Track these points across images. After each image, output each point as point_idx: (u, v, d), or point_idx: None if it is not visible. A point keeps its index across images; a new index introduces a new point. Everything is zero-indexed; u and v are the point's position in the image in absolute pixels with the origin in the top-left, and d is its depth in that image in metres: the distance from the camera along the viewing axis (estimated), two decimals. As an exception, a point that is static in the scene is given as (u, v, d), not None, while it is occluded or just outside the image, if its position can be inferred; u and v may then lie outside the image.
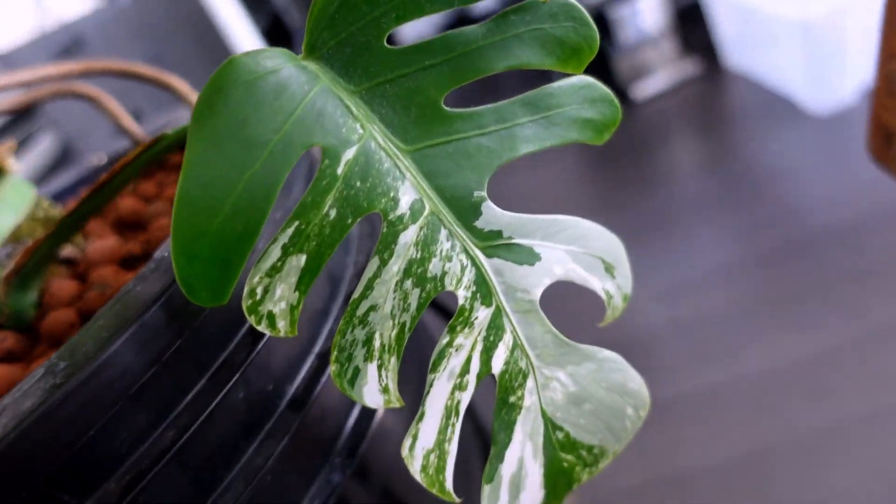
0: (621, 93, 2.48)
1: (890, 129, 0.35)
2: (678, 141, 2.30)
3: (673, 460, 1.30)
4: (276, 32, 3.07)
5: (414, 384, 0.33)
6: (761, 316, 1.50)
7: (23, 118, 1.36)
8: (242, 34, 2.30)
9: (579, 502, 0.94)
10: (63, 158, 1.33)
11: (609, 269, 0.23)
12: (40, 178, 1.30)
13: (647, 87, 2.47)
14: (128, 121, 0.43)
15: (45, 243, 0.31)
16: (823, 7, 1.75)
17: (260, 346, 0.24)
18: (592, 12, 2.47)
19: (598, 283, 0.23)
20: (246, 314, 0.20)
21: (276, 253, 0.19)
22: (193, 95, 0.39)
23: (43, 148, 1.31)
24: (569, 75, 0.22)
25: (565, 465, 0.23)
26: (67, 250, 0.38)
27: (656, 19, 2.44)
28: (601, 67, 2.62)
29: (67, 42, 1.66)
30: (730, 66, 2.42)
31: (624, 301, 0.24)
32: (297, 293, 0.20)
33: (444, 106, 0.20)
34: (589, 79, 0.22)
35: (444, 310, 0.45)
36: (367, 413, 0.29)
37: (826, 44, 1.84)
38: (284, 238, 0.19)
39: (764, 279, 1.56)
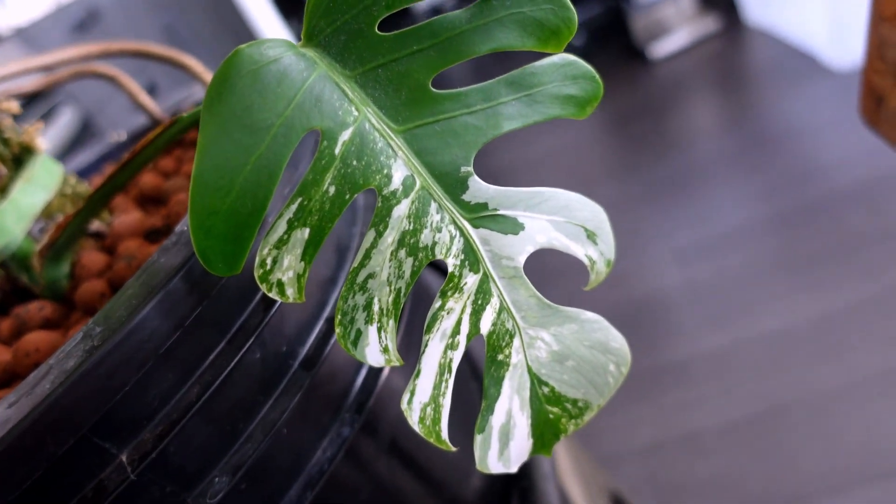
0: (639, 52, 2.45)
1: (880, 92, 0.36)
2: (697, 100, 2.27)
3: (687, 420, 1.33)
4: (289, -1, 3.03)
5: (418, 347, 0.35)
6: (777, 276, 1.51)
7: (43, 94, 1.39)
8: (254, 1, 2.29)
9: (588, 462, 0.97)
10: (83, 132, 1.36)
11: (591, 237, 0.25)
12: (63, 152, 1.33)
13: (666, 46, 2.43)
14: (144, 98, 0.45)
15: (76, 219, 0.34)
16: (846, -42, 1.70)
17: (273, 311, 0.27)
18: (609, -31, 2.40)
19: (580, 250, 0.24)
20: (258, 282, 0.22)
21: (282, 227, 0.21)
22: (207, 74, 0.41)
23: (64, 122, 1.34)
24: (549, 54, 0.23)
25: (551, 416, 0.25)
26: (95, 225, 0.40)
27: (674, -25, 2.38)
28: (618, 26, 2.58)
29: (83, 14, 1.67)
30: (750, 21, 2.37)
31: (607, 266, 0.26)
32: (302, 263, 0.22)
33: (431, 88, 0.22)
34: (570, 56, 0.24)
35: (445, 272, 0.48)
36: (374, 372, 0.32)
37: (848, -3, 1.79)
38: (289, 213, 0.21)
39: (781, 239, 1.56)
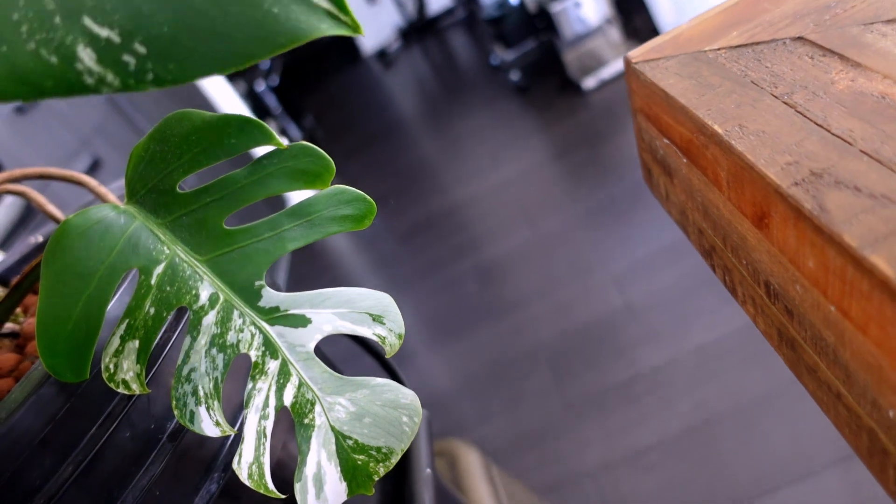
0: (574, 83, 2.57)
1: (647, 164, 0.45)
2: (630, 125, 2.38)
3: (631, 438, 1.40)
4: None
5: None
6: (706, 290, 1.60)
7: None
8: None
9: (525, 493, 1.04)
10: (28, 212, 1.42)
11: (378, 319, 0.32)
12: (9, 234, 1.38)
13: (598, 76, 2.55)
14: (51, 208, 0.51)
15: (-14, 328, 0.40)
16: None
17: (135, 398, 0.33)
18: (536, 8, 2.53)
19: (367, 331, 0.32)
20: (107, 382, 0.29)
21: (116, 341, 0.28)
22: (100, 188, 0.48)
23: (7, 204, 1.40)
24: (321, 190, 0.31)
25: (360, 462, 0.32)
26: (8, 326, 0.47)
27: (598, 9, 2.52)
28: (552, 61, 2.71)
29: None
30: (671, 49, 2.49)
31: (399, 339, 0.33)
32: (138, 365, 0.29)
33: (225, 226, 0.29)
34: (341, 186, 0.31)
35: (365, 344, 0.56)
36: (238, 437, 0.38)
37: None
38: (121, 331, 0.28)
39: (708, 255, 1.65)
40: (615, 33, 2.56)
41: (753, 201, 0.28)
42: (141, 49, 0.20)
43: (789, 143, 0.27)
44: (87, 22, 0.20)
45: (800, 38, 0.33)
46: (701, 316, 1.51)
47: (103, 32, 0.20)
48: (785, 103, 0.29)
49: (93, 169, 1.58)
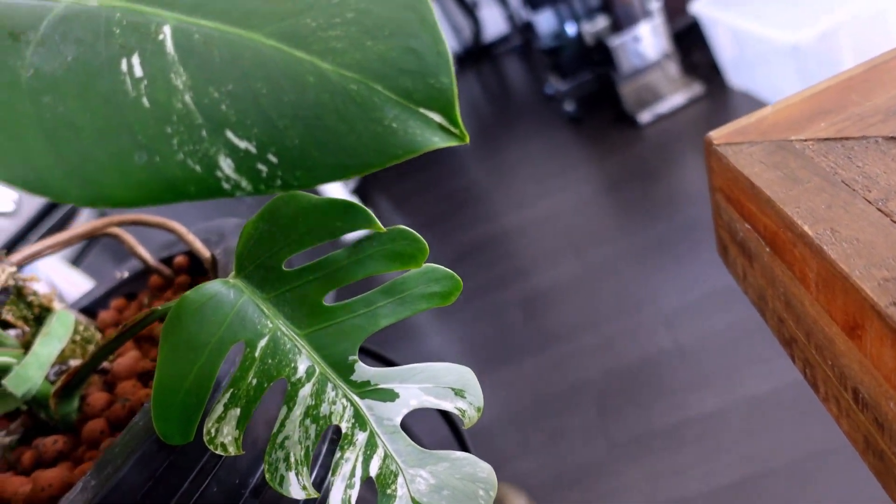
0: (629, 116, 2.56)
1: (723, 242, 0.45)
2: (685, 161, 2.35)
3: (676, 486, 1.36)
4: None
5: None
6: (761, 338, 1.56)
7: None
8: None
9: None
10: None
11: (459, 393, 0.33)
12: (80, 252, 1.46)
13: (655, 110, 2.53)
14: (141, 250, 0.55)
15: (83, 368, 0.43)
16: (813, 30, 1.81)
17: (224, 456, 0.35)
18: (593, 41, 2.53)
19: (449, 405, 0.33)
20: (206, 445, 0.31)
21: (220, 409, 0.30)
22: (189, 236, 0.51)
23: (83, 220, 1.47)
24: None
25: (435, 531, 0.33)
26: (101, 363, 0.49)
27: (656, 43, 2.51)
28: (608, 93, 2.71)
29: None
30: (733, 84, 2.47)
31: (478, 412, 0.34)
32: (237, 430, 0.31)
33: (324, 303, 0.31)
34: (432, 266, 0.33)
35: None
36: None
37: (816, 65, 1.89)
38: (225, 399, 0.30)
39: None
40: (673, 68, 2.54)
41: (845, 310, 0.28)
42: (273, 159, 0.22)
43: (886, 256, 0.27)
44: (229, 135, 0.22)
45: (893, 139, 0.33)
46: (754, 365, 1.48)
47: (242, 144, 0.22)
48: (879, 210, 0.29)
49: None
